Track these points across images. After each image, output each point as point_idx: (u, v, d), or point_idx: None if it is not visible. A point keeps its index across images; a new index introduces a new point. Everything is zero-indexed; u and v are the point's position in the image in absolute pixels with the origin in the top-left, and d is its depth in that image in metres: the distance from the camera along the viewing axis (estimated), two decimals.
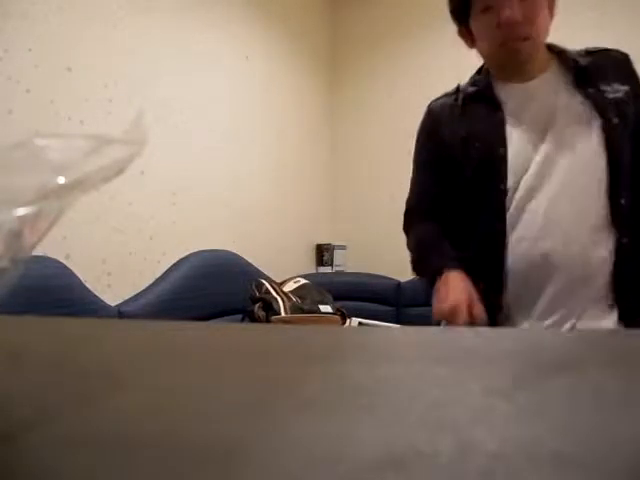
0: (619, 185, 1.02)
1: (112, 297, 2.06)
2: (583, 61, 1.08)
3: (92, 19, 2.07)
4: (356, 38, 3.57)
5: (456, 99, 1.18)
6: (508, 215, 1.06)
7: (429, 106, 1.22)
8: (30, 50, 1.86)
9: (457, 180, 1.13)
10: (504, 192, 1.06)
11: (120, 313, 2.06)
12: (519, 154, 1.05)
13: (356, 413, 0.22)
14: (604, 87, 1.05)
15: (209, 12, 2.64)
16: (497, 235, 1.06)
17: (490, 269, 1.07)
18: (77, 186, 0.23)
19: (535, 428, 0.20)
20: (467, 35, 1.15)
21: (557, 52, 1.12)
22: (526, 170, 1.05)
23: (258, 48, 2.99)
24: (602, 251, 1.01)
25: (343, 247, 3.47)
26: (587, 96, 1.05)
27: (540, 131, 1.06)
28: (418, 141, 1.24)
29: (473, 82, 1.18)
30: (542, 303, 1.04)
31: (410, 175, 1.28)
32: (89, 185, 0.23)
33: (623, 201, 1.02)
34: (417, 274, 1.20)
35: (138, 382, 0.28)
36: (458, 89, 1.19)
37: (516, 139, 1.06)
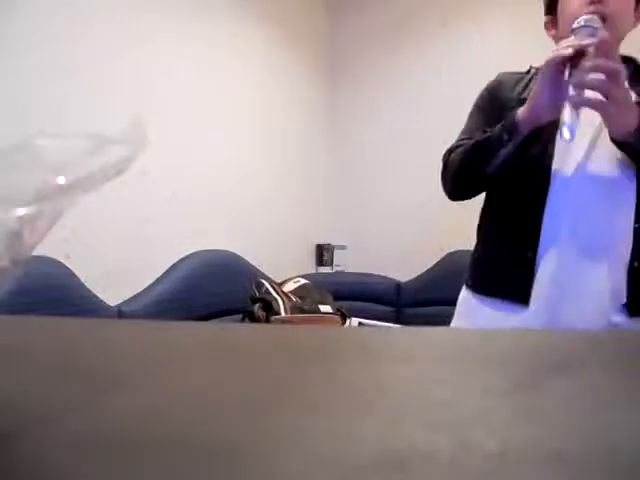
0: None
1: (112, 297, 2.06)
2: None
3: (93, 19, 2.07)
4: (356, 38, 3.57)
5: (525, 74, 1.26)
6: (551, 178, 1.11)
7: (499, 74, 1.30)
8: (30, 50, 1.86)
9: None
10: (550, 155, 1.11)
11: (120, 313, 2.06)
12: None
13: (356, 413, 0.22)
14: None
15: (209, 12, 2.64)
16: (537, 198, 1.11)
17: (527, 228, 1.12)
18: (77, 186, 0.23)
19: (535, 428, 0.20)
20: (551, 23, 1.22)
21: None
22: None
23: (258, 48, 2.99)
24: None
25: (343, 247, 3.47)
26: (638, 94, 1.08)
27: (593, 119, 1.08)
28: (478, 98, 1.30)
29: None
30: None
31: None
32: (89, 185, 0.23)
33: None
34: (470, 170, 1.19)
35: (138, 382, 0.28)
36: (530, 69, 1.27)
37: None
